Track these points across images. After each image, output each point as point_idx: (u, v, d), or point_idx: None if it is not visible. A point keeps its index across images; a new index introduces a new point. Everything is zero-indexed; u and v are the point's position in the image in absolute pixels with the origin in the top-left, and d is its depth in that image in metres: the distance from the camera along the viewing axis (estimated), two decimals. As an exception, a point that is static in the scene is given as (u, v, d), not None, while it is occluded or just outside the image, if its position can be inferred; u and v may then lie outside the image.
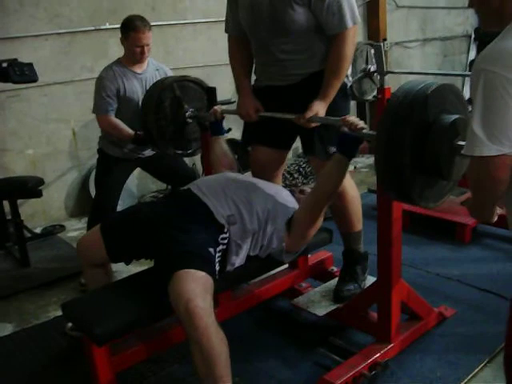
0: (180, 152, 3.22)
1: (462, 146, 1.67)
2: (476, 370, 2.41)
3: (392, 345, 2.50)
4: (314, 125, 2.50)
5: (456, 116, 1.83)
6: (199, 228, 2.26)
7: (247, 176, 2.60)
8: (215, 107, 2.87)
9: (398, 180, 1.85)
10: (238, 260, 2.40)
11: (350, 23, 2.42)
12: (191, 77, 3.26)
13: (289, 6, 2.39)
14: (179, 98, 3.07)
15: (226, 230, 2.32)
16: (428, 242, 3.88)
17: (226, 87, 5.14)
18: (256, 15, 2.51)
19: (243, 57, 2.75)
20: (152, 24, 4.94)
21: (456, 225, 3.87)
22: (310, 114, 2.44)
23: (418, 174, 1.84)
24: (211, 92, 3.08)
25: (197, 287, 1.99)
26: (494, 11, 1.47)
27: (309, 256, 3.02)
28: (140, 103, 3.27)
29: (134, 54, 3.32)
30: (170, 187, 4.75)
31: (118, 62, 3.41)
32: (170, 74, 3.54)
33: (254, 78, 2.84)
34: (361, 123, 2.19)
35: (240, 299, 2.71)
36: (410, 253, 3.45)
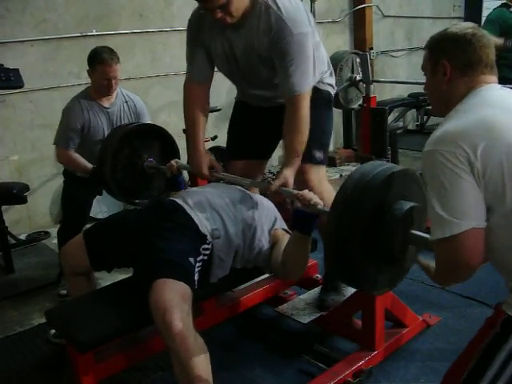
0: (140, 202, 3.07)
1: (416, 236, 1.72)
2: (459, 378, 2.42)
3: (376, 352, 2.52)
4: (283, 196, 2.39)
5: (411, 204, 1.75)
6: (180, 237, 2.24)
7: (232, 187, 2.57)
8: (171, 162, 2.75)
9: (349, 269, 1.78)
10: (222, 272, 2.38)
11: (302, 89, 2.35)
12: (151, 124, 3.18)
13: (261, 67, 2.41)
14: (136, 149, 2.96)
15: (208, 241, 2.29)
16: (413, 249, 3.89)
17: (212, 95, 5.16)
18: (232, 69, 2.50)
19: (201, 107, 2.64)
20: (139, 31, 5.02)
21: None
22: (279, 182, 2.33)
23: (369, 262, 1.77)
24: (170, 143, 3.01)
25: (174, 297, 1.97)
26: (442, 99, 1.61)
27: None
28: (102, 138, 3.21)
29: (101, 86, 3.23)
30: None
31: (86, 93, 3.32)
32: (140, 104, 3.44)
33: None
34: (314, 198, 2.07)
35: (225, 307, 2.70)
36: (394, 260, 3.47)
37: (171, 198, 2.49)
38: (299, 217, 2.15)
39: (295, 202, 2.14)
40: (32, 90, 4.42)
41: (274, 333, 2.92)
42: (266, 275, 2.85)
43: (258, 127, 2.66)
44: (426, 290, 3.28)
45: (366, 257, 1.74)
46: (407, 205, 1.74)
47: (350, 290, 2.78)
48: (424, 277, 3.36)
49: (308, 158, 2.55)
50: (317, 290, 2.88)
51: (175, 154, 3.00)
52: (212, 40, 2.49)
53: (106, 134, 3.26)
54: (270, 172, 5.22)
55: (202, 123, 2.64)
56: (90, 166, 3.23)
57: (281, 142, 2.64)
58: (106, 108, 3.32)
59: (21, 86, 3.58)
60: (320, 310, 2.72)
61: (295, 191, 2.18)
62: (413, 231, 1.74)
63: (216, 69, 2.66)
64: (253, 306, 2.88)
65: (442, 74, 1.58)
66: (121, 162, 2.92)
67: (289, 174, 2.36)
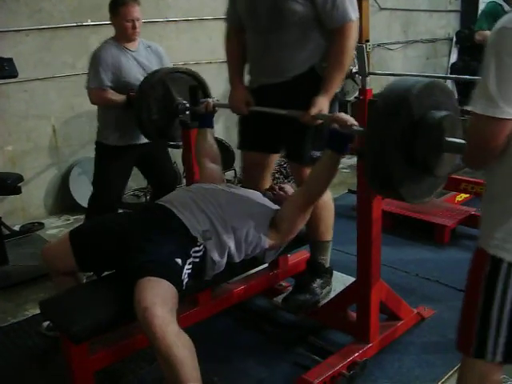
0: (173, 143, 3.36)
1: (450, 142, 1.77)
2: (453, 370, 2.41)
3: (371, 345, 2.51)
4: (319, 121, 2.40)
5: (445, 112, 1.82)
6: (169, 240, 2.23)
7: (216, 189, 2.56)
8: (208, 99, 2.90)
9: (387, 176, 1.84)
10: (215, 272, 2.39)
11: (353, 16, 2.39)
12: (183, 68, 3.32)
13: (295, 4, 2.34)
14: (170, 91, 3.13)
15: (199, 244, 2.28)
16: (407, 242, 3.90)
17: (209, 86, 5.14)
18: (253, 4, 2.44)
19: (239, 48, 2.68)
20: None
21: (435, 226, 3.91)
22: (315, 110, 2.35)
23: (406, 170, 1.85)
24: (203, 85, 3.18)
25: (156, 296, 1.95)
26: None
27: (289, 256, 3.02)
28: (135, 80, 3.30)
29: (125, 29, 3.30)
30: (149, 186, 4.64)
31: (112, 39, 3.38)
32: (161, 49, 3.56)
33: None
34: (351, 120, 2.17)
35: (220, 298, 2.70)
36: (389, 253, 3.46)
37: (159, 203, 2.48)
38: (335, 137, 2.23)
39: (332, 123, 2.23)
40: (27, 79, 4.39)
41: (268, 324, 2.92)
42: (262, 267, 2.85)
43: (267, 117, 2.59)
44: (421, 282, 3.29)
45: (404, 165, 1.82)
46: (441, 113, 1.81)
47: (347, 282, 2.78)
48: (419, 270, 3.41)
49: (308, 160, 2.51)
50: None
51: (207, 97, 3.14)
52: None
53: (136, 77, 3.33)
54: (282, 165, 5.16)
55: (239, 61, 2.70)
56: (123, 96, 3.29)
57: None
58: (132, 51, 3.39)
59: (15, 76, 3.55)
60: (289, 312, 2.73)
61: (331, 114, 2.30)
62: (447, 138, 1.80)
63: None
64: (248, 297, 2.88)
65: None
66: (156, 105, 3.12)
67: (323, 102, 2.39)
